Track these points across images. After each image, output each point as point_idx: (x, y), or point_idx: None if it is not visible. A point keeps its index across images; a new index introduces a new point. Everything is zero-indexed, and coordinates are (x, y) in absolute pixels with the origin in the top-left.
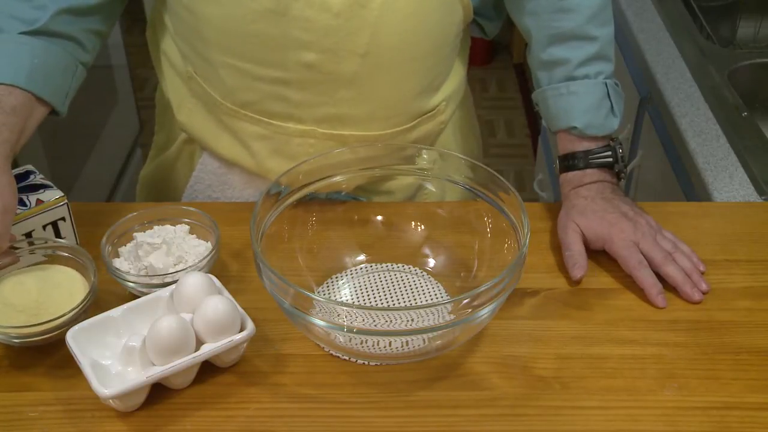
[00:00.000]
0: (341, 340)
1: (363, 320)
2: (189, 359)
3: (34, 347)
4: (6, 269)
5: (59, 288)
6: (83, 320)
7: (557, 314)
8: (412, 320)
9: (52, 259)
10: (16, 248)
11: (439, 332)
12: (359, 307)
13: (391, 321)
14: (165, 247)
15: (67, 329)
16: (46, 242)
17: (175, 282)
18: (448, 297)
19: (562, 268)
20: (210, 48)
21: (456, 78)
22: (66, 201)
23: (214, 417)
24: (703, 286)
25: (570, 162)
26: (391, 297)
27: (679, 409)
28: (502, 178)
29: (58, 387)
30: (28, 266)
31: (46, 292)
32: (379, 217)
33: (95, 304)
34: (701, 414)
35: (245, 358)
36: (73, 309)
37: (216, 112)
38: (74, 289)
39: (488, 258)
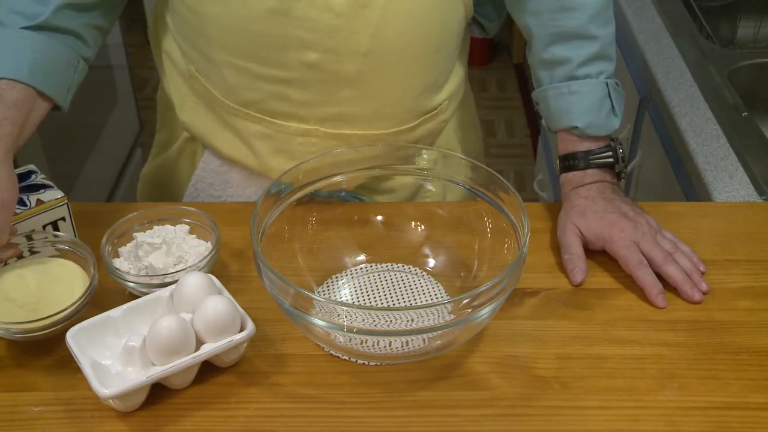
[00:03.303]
0: (341, 340)
1: (363, 320)
2: (189, 359)
3: (34, 343)
4: (6, 263)
5: (59, 282)
6: (84, 312)
7: (557, 314)
8: (412, 320)
9: (52, 253)
10: (17, 243)
11: (439, 332)
12: (359, 307)
13: (391, 321)
14: (165, 247)
15: (69, 323)
16: (45, 236)
17: (175, 282)
18: (448, 297)
19: (562, 268)
20: (212, 47)
21: (457, 76)
22: (66, 201)
23: (214, 417)
24: (704, 287)
25: (570, 162)
26: (391, 297)
27: (679, 409)
28: (502, 178)
29: (58, 387)
30: (28, 260)
31: (46, 286)
32: (379, 217)
33: (95, 304)
34: (701, 414)
35: (245, 358)
36: (73, 303)
37: (218, 111)
38: (74, 282)
39: (488, 258)
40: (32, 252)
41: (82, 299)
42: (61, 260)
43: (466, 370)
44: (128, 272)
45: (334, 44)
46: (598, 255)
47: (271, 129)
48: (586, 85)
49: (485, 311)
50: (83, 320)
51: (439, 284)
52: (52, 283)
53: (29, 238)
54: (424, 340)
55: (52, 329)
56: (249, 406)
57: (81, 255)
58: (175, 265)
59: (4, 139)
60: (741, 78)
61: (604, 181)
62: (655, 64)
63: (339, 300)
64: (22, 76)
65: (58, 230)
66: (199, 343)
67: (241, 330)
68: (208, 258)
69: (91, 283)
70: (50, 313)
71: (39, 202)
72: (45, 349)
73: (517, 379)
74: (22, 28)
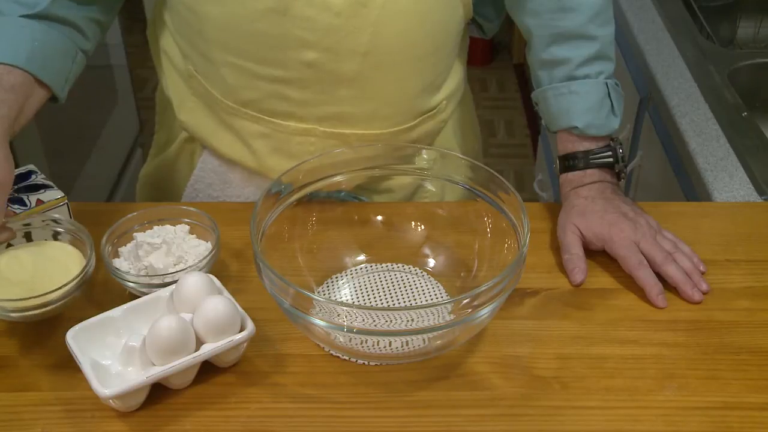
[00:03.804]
0: (341, 340)
1: (363, 320)
2: (189, 359)
3: (34, 343)
4: (2, 245)
5: (55, 262)
6: (84, 312)
7: (557, 314)
8: (412, 320)
9: (50, 236)
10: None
11: (439, 332)
12: (359, 307)
13: (391, 321)
14: (165, 247)
15: (65, 302)
16: (43, 220)
17: (175, 282)
18: (448, 297)
19: (562, 268)
20: (211, 46)
21: (455, 77)
22: (66, 201)
23: (214, 417)
24: (704, 287)
25: (570, 162)
26: (391, 297)
27: (679, 409)
28: (502, 178)
29: (58, 387)
30: (25, 243)
31: (42, 267)
32: (379, 217)
33: (95, 304)
34: (701, 414)
35: (245, 358)
36: (69, 281)
37: (217, 111)
38: (71, 263)
39: (488, 258)
40: (29, 237)
41: (79, 278)
42: (58, 243)
43: (466, 370)
44: (128, 272)
45: (332, 44)
46: (598, 255)
47: (270, 128)
48: (586, 86)
49: (485, 311)
50: (83, 320)
51: (439, 284)
52: (48, 264)
53: (27, 224)
54: (424, 340)
55: (48, 308)
56: (249, 406)
57: (78, 238)
58: (175, 265)
59: (0, 121)
60: (741, 78)
61: (604, 181)
62: (655, 64)
63: (339, 300)
64: (20, 62)
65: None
66: (199, 343)
67: (241, 330)
68: (208, 258)
69: (87, 263)
70: (44, 291)
71: (39, 202)
72: (45, 349)
73: (517, 379)
74: (21, 16)
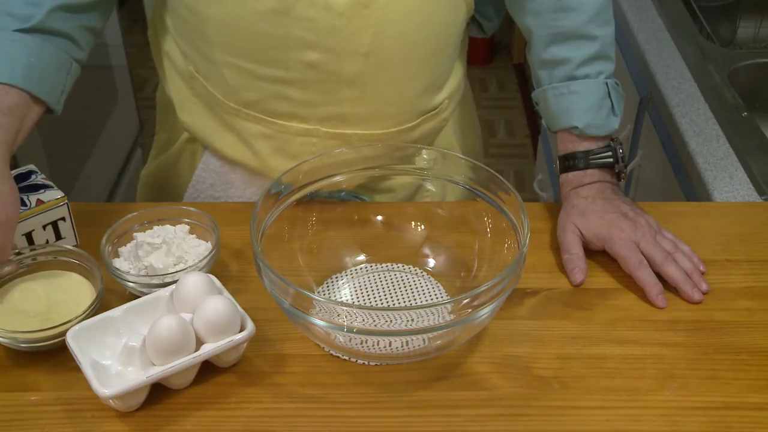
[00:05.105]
0: (341, 340)
1: (363, 320)
2: (189, 359)
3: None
4: (11, 276)
5: (67, 293)
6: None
7: (557, 314)
8: (412, 320)
9: (57, 265)
10: (19, 254)
11: (439, 332)
12: (359, 307)
13: (391, 321)
14: (165, 247)
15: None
16: (48, 248)
17: (175, 282)
18: (448, 297)
19: (562, 268)
20: (212, 48)
21: (456, 76)
22: (66, 201)
23: (214, 417)
24: (704, 287)
25: (570, 162)
26: (391, 297)
27: (679, 409)
28: (502, 178)
29: (58, 387)
30: (33, 273)
31: (55, 298)
32: (379, 217)
33: None
34: (701, 414)
35: (245, 358)
36: (79, 315)
37: (218, 112)
38: (81, 293)
39: (488, 258)
40: (35, 262)
41: (88, 311)
42: (67, 272)
43: (466, 370)
44: (128, 272)
45: (334, 44)
46: (598, 255)
47: (272, 129)
48: (586, 85)
49: (485, 311)
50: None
51: (439, 284)
52: (60, 295)
53: (32, 249)
54: (424, 340)
55: (57, 340)
56: (249, 406)
57: (86, 267)
58: (175, 265)
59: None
60: (741, 78)
61: (604, 181)
62: (655, 64)
63: (339, 300)
64: (16, 81)
65: (58, 230)
66: (199, 343)
67: (241, 330)
68: (208, 258)
69: (97, 295)
70: (61, 322)
71: (39, 202)
72: (45, 350)
73: (517, 379)
74: (15, 30)
